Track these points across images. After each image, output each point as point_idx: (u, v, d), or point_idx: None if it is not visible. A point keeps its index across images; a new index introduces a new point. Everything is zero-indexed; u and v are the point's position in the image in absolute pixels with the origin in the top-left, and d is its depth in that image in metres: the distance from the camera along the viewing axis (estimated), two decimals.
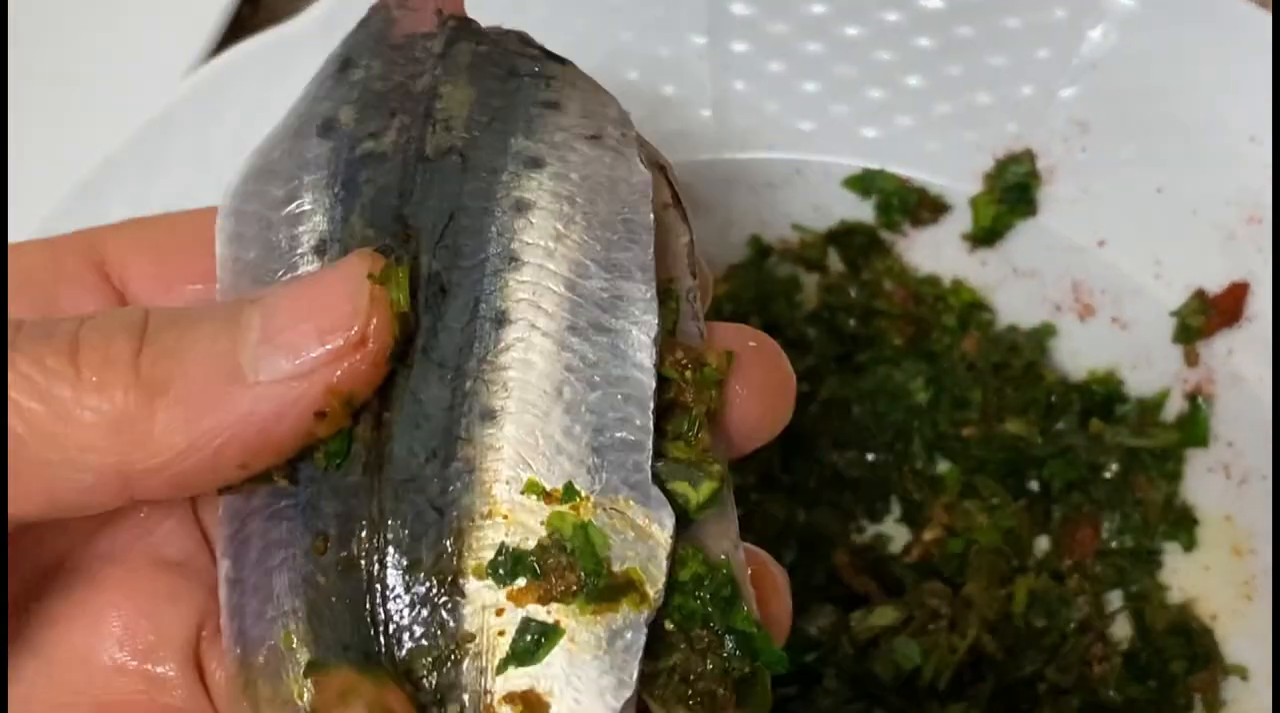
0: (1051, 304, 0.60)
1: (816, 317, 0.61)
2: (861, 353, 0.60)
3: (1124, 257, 0.58)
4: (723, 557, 0.32)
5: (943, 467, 0.59)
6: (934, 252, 0.61)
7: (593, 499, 0.31)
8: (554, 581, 0.30)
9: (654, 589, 0.30)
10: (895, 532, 0.60)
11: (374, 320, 0.32)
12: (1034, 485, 0.59)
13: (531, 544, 0.30)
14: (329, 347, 0.32)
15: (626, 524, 0.31)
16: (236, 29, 0.69)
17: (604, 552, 0.30)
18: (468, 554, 0.31)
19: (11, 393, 0.31)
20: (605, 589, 0.30)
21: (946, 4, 0.59)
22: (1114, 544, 0.58)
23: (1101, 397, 0.59)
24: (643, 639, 0.30)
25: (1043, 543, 0.59)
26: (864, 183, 0.61)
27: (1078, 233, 0.59)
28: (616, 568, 0.30)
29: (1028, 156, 0.59)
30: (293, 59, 0.60)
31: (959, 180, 0.60)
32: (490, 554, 0.31)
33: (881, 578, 0.58)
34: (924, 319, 0.60)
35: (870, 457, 0.60)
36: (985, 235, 0.60)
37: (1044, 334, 0.60)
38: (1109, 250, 0.58)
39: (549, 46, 0.60)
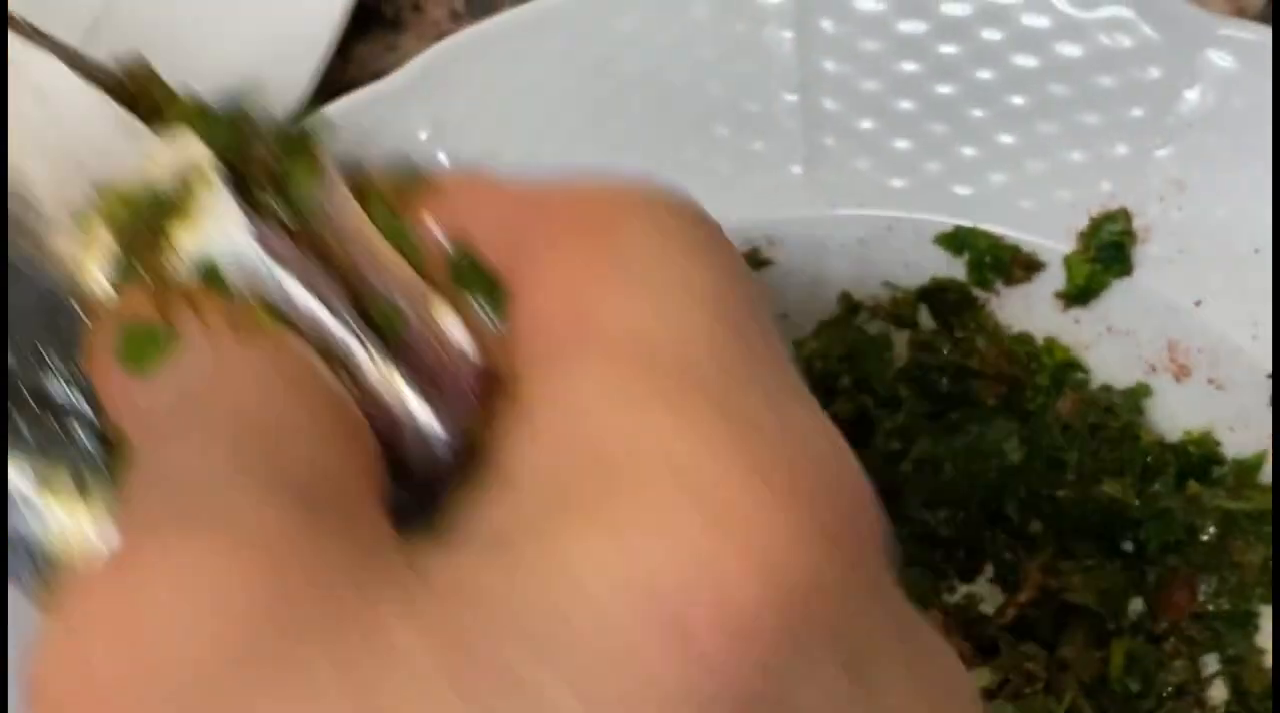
0: (1147, 364, 0.60)
1: (908, 374, 0.62)
2: (954, 411, 0.61)
3: (1221, 317, 0.59)
4: None
5: (1036, 527, 0.60)
6: (1027, 310, 0.62)
7: None
8: None
9: None
10: (988, 592, 0.60)
11: None
12: (1129, 546, 0.59)
13: None
14: None
15: None
16: (328, 83, 0.70)
17: None
18: None
19: None
20: None
21: (1040, 63, 0.60)
22: (1210, 607, 0.58)
23: (1198, 458, 0.59)
24: None
25: (1137, 605, 0.59)
26: (956, 241, 0.61)
27: (1174, 293, 0.59)
28: None
29: (1123, 215, 0.60)
30: (388, 117, 0.61)
31: (1052, 239, 0.61)
32: None
33: (975, 639, 0.58)
34: (1017, 378, 0.61)
35: (962, 515, 0.60)
36: (1079, 294, 0.60)
37: (1139, 394, 0.60)
38: (1206, 310, 0.59)
39: (638, 101, 0.62)
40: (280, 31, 0.69)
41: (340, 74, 0.72)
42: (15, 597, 0.38)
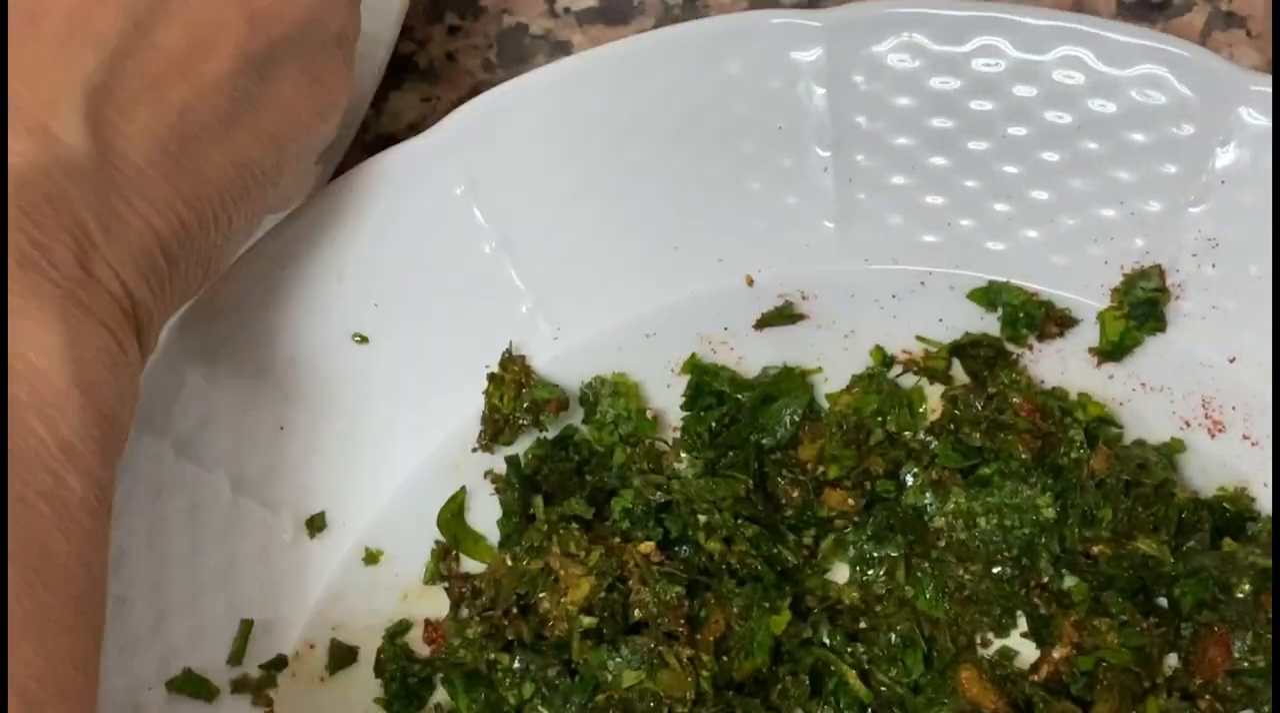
0: (1180, 420, 0.61)
1: (941, 428, 0.62)
2: (987, 466, 0.61)
3: (1255, 373, 0.59)
4: None
5: (1070, 582, 0.60)
6: (1060, 365, 0.62)
7: None
8: None
9: None
10: (1022, 647, 0.60)
11: None
12: (1163, 602, 0.59)
13: None
14: None
15: None
16: (365, 133, 0.71)
17: None
18: None
19: None
20: None
21: (1073, 119, 0.61)
22: (1245, 664, 0.58)
23: (1233, 515, 0.59)
24: None
25: (1172, 661, 0.59)
26: (989, 295, 0.62)
27: (1208, 349, 0.60)
28: None
29: (1157, 272, 0.60)
30: (424, 172, 0.62)
31: (1086, 295, 0.61)
32: None
33: (1009, 694, 0.58)
34: (1050, 433, 0.61)
35: (996, 571, 0.60)
36: (1113, 350, 0.61)
37: (1173, 450, 0.61)
38: (1240, 367, 0.59)
39: (673, 157, 0.62)
40: None
41: (376, 124, 0.73)
42: None
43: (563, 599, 0.59)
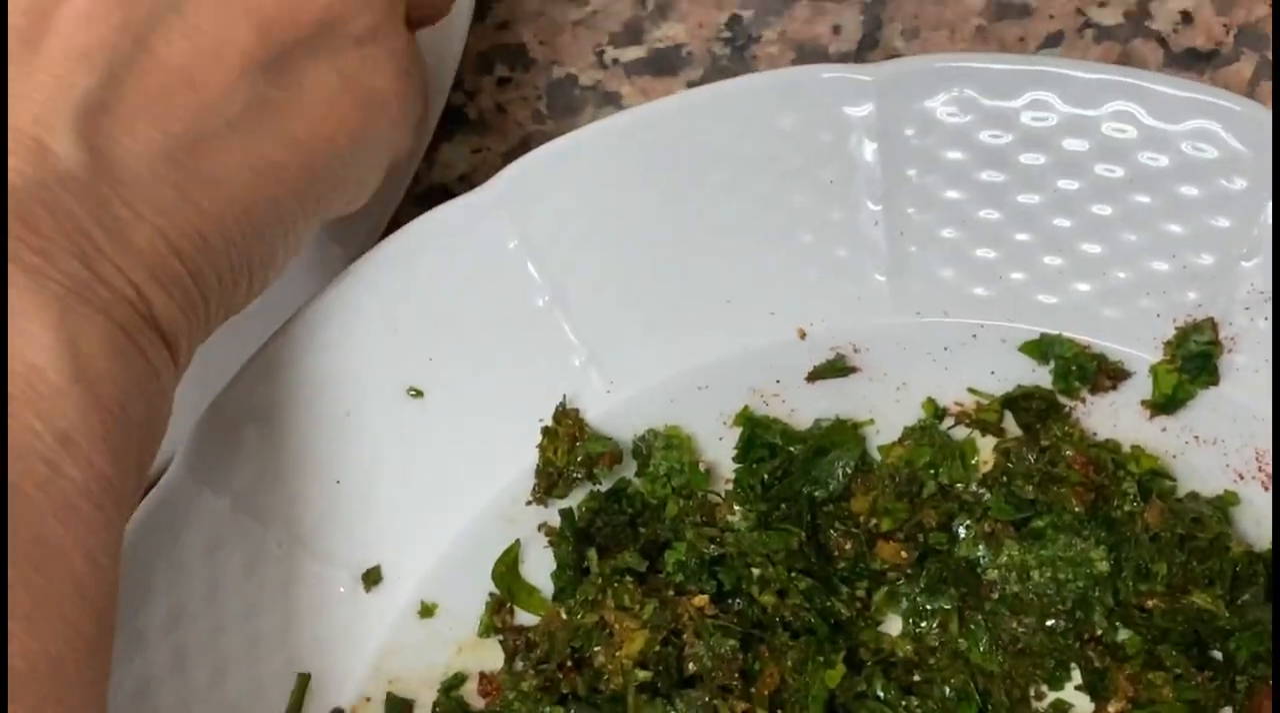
0: (1234, 473, 0.61)
1: (993, 481, 0.62)
2: (1040, 518, 0.61)
3: None
4: None
5: (1124, 635, 0.60)
6: (1113, 418, 0.62)
7: None
8: None
9: None
10: (1076, 699, 0.60)
11: None
12: (1217, 655, 0.60)
13: None
14: None
15: None
16: (417, 184, 0.72)
17: None
18: None
19: None
20: None
21: (1125, 173, 0.61)
22: None
23: None
24: None
25: None
26: (1042, 348, 0.62)
27: (1261, 402, 0.60)
28: None
29: (1209, 325, 0.60)
30: (478, 227, 0.63)
31: (1139, 347, 0.62)
32: None
33: None
34: (1103, 486, 0.61)
35: (1050, 623, 0.61)
36: (1166, 403, 0.61)
37: (1227, 503, 0.61)
38: None
39: (725, 210, 0.63)
40: None
41: (427, 176, 0.74)
42: None
43: (617, 653, 0.59)
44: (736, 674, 0.59)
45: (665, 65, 0.75)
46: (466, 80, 0.76)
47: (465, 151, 0.75)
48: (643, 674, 0.59)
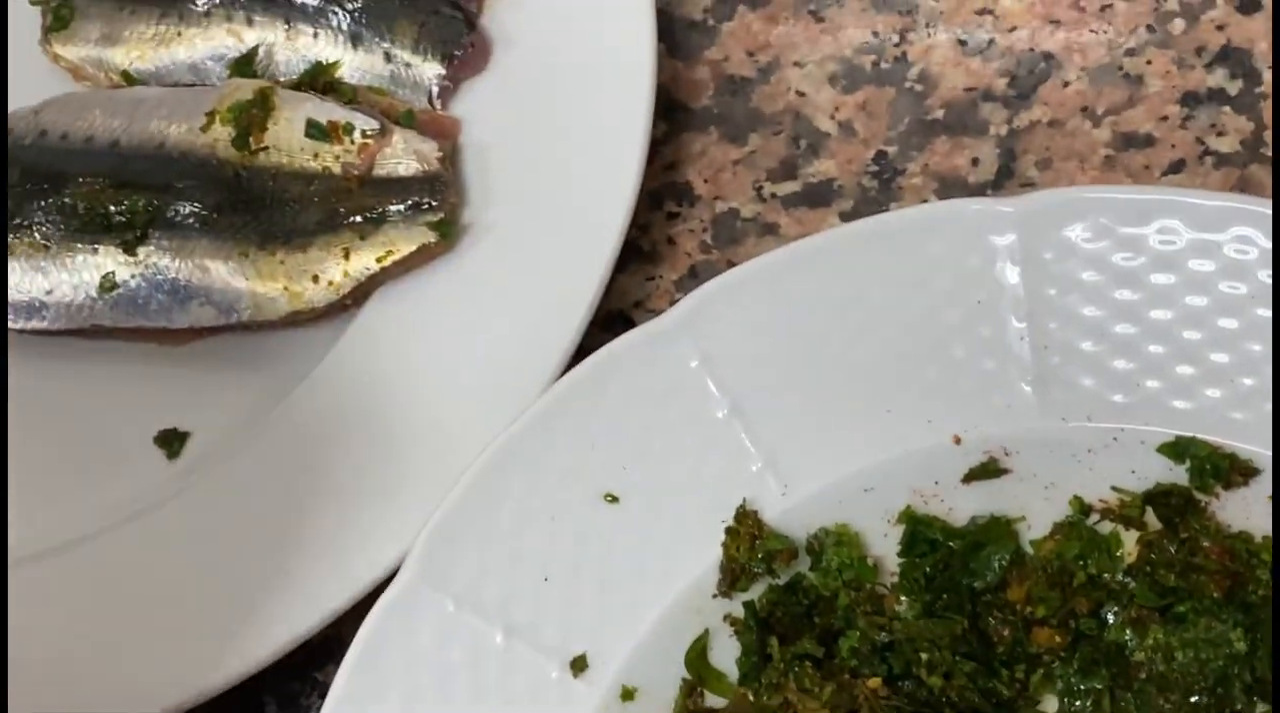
0: None
1: (1138, 570, 0.69)
2: (1181, 604, 0.68)
3: None
4: None
5: (1262, 709, 0.67)
6: (1245, 510, 0.69)
7: None
8: None
9: None
10: None
11: None
12: None
13: None
14: None
15: None
16: (599, 311, 0.80)
17: None
18: None
19: None
20: None
21: (1248, 290, 0.68)
22: None
23: None
24: None
25: None
26: (1177, 449, 0.69)
27: None
28: None
29: None
30: (662, 350, 0.71)
31: (1266, 445, 0.68)
32: None
33: None
34: (1239, 573, 0.68)
35: (1194, 700, 0.67)
36: None
37: None
38: None
39: (885, 330, 0.71)
40: (558, 267, 0.80)
41: (605, 302, 0.82)
42: None
43: None
44: None
45: (818, 198, 0.84)
46: (639, 216, 0.84)
47: (640, 280, 0.84)
48: None
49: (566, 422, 0.72)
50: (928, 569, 0.71)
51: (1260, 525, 0.69)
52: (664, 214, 0.85)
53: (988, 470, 0.72)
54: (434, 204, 0.81)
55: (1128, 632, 0.69)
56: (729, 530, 0.71)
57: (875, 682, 0.67)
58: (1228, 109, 0.82)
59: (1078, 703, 0.68)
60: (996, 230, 0.71)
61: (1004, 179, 0.82)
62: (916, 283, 0.72)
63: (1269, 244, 0.68)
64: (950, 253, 0.72)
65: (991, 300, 0.72)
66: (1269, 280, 0.68)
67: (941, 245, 0.72)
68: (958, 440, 0.72)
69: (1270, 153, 0.80)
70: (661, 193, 0.86)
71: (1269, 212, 0.68)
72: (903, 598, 0.71)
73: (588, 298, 0.79)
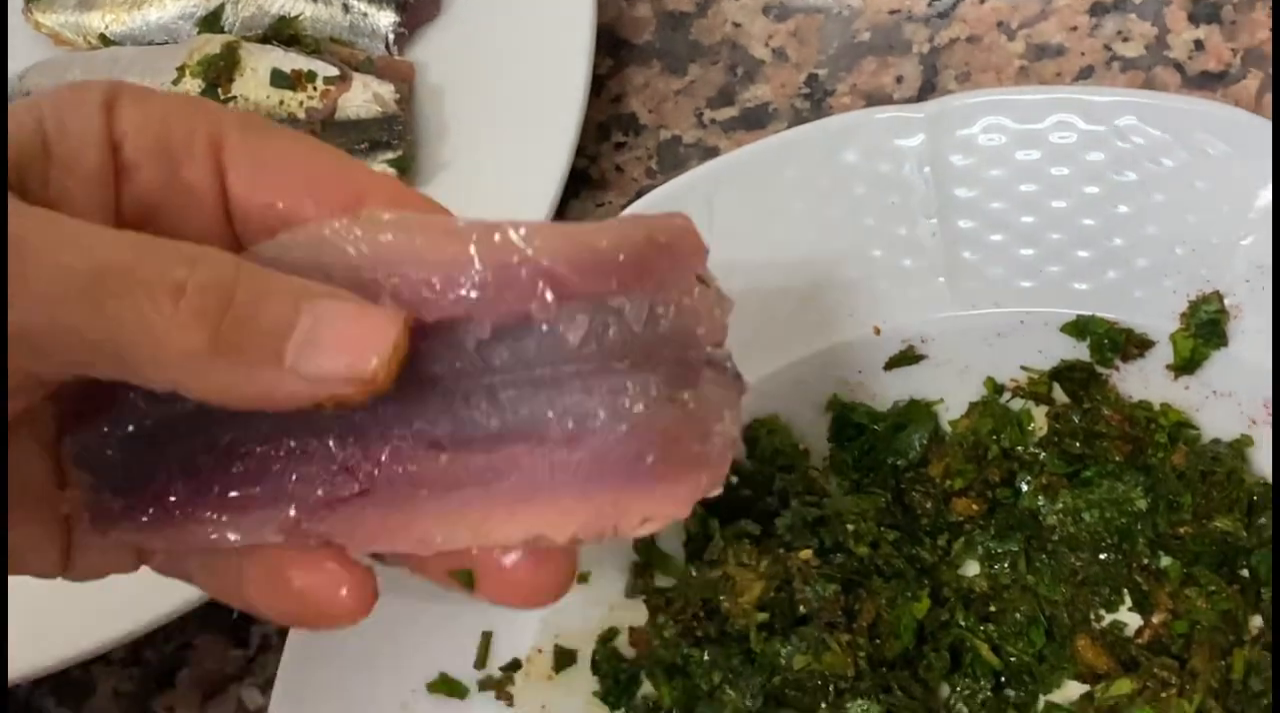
0: (1248, 419, 0.73)
1: (1047, 441, 0.76)
2: (1088, 470, 0.74)
3: None
4: None
5: (1165, 561, 0.73)
6: (1143, 381, 0.75)
7: None
8: None
9: None
10: (1128, 618, 0.73)
11: (386, 373, 0.48)
12: (1244, 572, 0.72)
13: None
14: (349, 376, 0.47)
15: None
16: None
17: None
18: None
19: (116, 313, 0.46)
20: None
21: (1138, 176, 0.75)
22: None
23: None
24: None
25: (1255, 621, 0.72)
26: (1079, 328, 0.75)
27: (1264, 358, 0.72)
28: None
29: (1216, 297, 0.73)
30: None
31: (1160, 320, 0.74)
32: None
33: (1118, 656, 0.71)
34: (1139, 438, 0.74)
35: (1102, 556, 0.74)
36: (1185, 365, 0.74)
37: (1243, 445, 0.73)
38: None
39: (806, 236, 0.77)
40: (510, 195, 0.87)
41: None
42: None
43: (740, 599, 0.73)
44: (839, 612, 0.73)
45: (755, 121, 0.91)
46: (588, 147, 0.91)
47: (591, 206, 0.91)
48: (762, 616, 0.72)
49: None
50: (855, 451, 0.78)
51: (1157, 394, 0.75)
52: (612, 144, 0.92)
53: (906, 358, 0.78)
54: (393, 143, 0.88)
55: (1040, 498, 0.75)
56: None
57: (807, 554, 0.74)
58: (1133, 16, 0.88)
59: (996, 566, 0.75)
60: (905, 135, 0.77)
61: (926, 93, 0.89)
62: (835, 189, 0.78)
63: (1157, 132, 0.74)
64: (864, 160, 0.78)
65: (904, 202, 0.78)
66: (1161, 166, 0.74)
67: (855, 153, 0.78)
68: (878, 331, 0.78)
69: (1173, 54, 0.87)
70: (609, 124, 0.92)
71: (1153, 101, 0.74)
72: (832, 478, 0.77)
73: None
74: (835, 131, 0.78)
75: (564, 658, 0.76)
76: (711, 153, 0.90)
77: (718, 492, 0.54)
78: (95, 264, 0.46)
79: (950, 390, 0.78)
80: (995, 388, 0.77)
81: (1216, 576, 0.72)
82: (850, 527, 0.74)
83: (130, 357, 0.47)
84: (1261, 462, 0.74)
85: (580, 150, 0.88)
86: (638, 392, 0.53)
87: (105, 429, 0.55)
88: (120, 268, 0.47)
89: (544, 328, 0.52)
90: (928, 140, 0.77)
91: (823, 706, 0.71)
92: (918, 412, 0.78)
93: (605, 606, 0.77)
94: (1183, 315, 0.74)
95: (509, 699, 0.74)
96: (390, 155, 0.88)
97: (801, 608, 0.73)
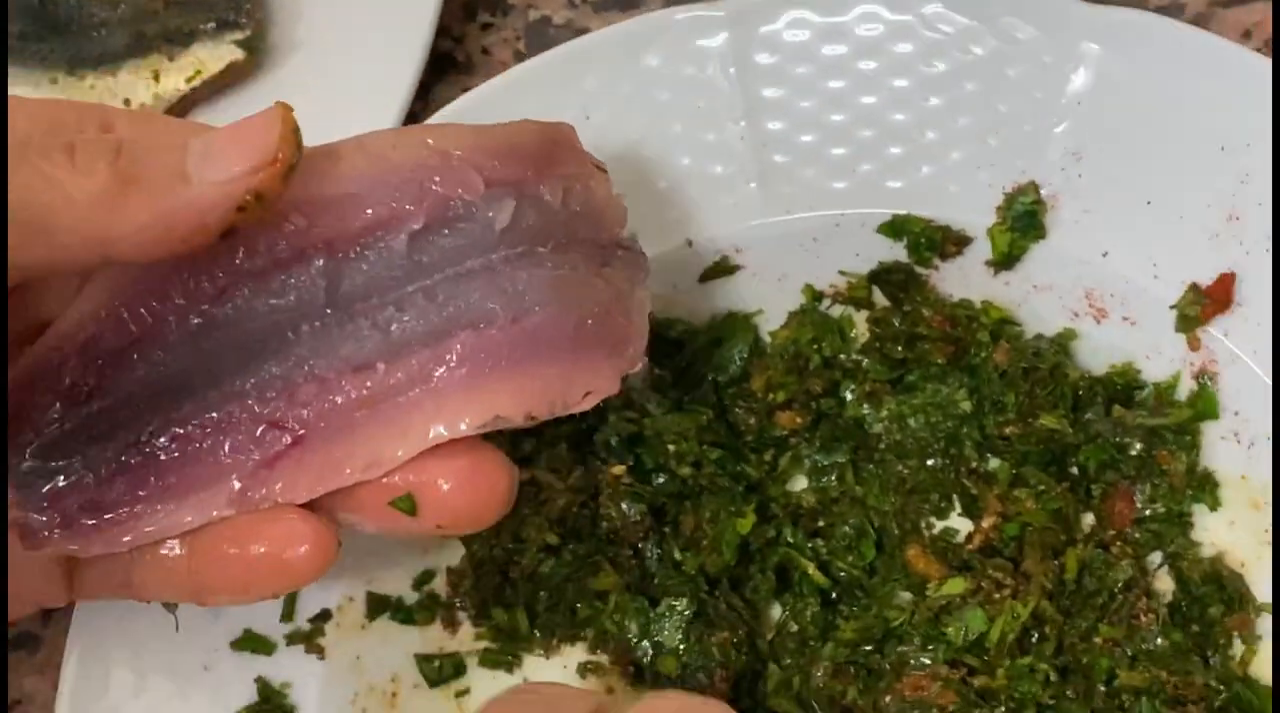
0: (1070, 312, 0.72)
1: (869, 347, 0.74)
2: (911, 374, 0.72)
3: (1126, 264, 0.70)
4: None
5: (993, 464, 0.71)
6: (963, 279, 0.73)
7: None
8: None
9: None
10: (959, 524, 0.71)
11: (289, 149, 0.52)
12: (1074, 470, 0.71)
13: None
14: (257, 163, 0.52)
15: None
16: (411, 120, 0.83)
17: None
18: None
19: (24, 181, 0.51)
20: None
21: (948, 66, 0.72)
22: (1149, 512, 0.69)
23: (1122, 386, 0.71)
24: None
25: (1088, 519, 0.70)
26: (895, 227, 0.73)
27: (1083, 248, 0.71)
28: None
29: (1032, 187, 0.71)
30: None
31: (977, 215, 0.72)
32: None
33: (951, 562, 0.69)
34: (961, 338, 0.72)
35: (930, 462, 0.72)
36: (1004, 260, 0.72)
37: (1066, 338, 0.72)
38: (1112, 260, 0.70)
39: (613, 144, 0.74)
40: (367, 77, 0.83)
41: (423, 114, 0.83)
42: None
43: (540, 513, 0.70)
44: (643, 534, 0.70)
45: (629, 0, 0.87)
46: (453, 28, 0.87)
47: (456, 90, 0.87)
48: (552, 538, 0.70)
49: None
50: (674, 368, 0.75)
51: (978, 291, 0.73)
52: (478, 25, 0.88)
53: (721, 269, 0.75)
54: (240, 22, 0.84)
55: (864, 406, 0.73)
56: None
57: (620, 469, 0.71)
58: None
59: (824, 479, 0.73)
60: (707, 35, 0.74)
61: None
62: (637, 97, 0.75)
63: (964, 19, 0.72)
64: (666, 63, 0.74)
65: (711, 106, 0.75)
66: (968, 55, 0.72)
67: (656, 57, 0.74)
68: (690, 243, 0.75)
69: None
70: (475, 4, 0.88)
71: None
72: (652, 395, 0.74)
73: (397, 106, 0.81)
74: (634, 35, 0.75)
75: (377, 605, 0.72)
76: (583, 33, 0.86)
77: (641, 365, 0.61)
78: None
79: (768, 300, 0.75)
80: (814, 295, 0.75)
81: (1045, 475, 0.70)
82: (671, 447, 0.72)
83: (51, 223, 0.51)
84: (1085, 355, 0.72)
85: (444, 31, 0.85)
86: (568, 271, 0.59)
87: (24, 443, 0.57)
88: (17, 143, 0.51)
89: (474, 213, 0.57)
90: (731, 39, 0.74)
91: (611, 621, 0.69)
92: (736, 324, 0.75)
93: (418, 547, 0.73)
94: (999, 209, 0.72)
95: (320, 652, 0.71)
96: (238, 35, 0.84)
97: (604, 524, 0.70)
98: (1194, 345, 0.69)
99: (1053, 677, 0.66)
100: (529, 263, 0.58)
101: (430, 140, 0.58)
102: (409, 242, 0.56)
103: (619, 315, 0.61)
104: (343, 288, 0.56)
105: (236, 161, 0.52)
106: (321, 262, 0.56)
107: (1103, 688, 0.67)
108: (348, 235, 0.56)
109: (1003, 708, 0.65)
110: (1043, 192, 0.71)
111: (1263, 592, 0.68)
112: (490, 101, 0.74)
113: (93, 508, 0.57)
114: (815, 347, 0.74)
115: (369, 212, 0.56)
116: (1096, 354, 0.72)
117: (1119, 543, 0.69)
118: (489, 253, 0.57)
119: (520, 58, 0.87)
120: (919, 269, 0.74)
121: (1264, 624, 0.67)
